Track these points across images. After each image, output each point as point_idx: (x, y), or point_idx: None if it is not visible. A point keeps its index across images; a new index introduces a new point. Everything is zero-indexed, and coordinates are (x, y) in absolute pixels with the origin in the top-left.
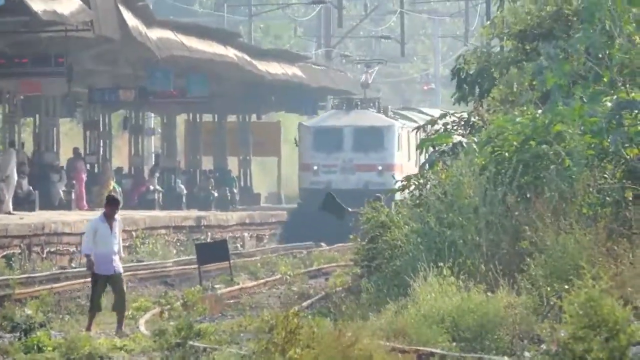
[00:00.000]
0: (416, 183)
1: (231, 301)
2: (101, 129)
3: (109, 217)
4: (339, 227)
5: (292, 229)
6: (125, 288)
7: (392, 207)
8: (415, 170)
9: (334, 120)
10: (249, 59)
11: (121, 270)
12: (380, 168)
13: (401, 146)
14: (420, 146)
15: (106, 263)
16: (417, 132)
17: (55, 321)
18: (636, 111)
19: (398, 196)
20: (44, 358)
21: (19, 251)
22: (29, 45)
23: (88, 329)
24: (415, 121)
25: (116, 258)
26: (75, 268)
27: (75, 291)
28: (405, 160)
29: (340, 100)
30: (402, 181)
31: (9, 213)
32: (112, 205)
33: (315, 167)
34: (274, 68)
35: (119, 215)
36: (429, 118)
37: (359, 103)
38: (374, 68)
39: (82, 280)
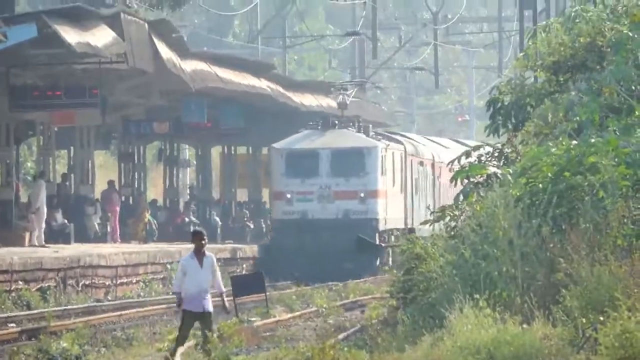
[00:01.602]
0: (451, 214)
1: (267, 333)
2: (136, 161)
3: (197, 253)
4: (317, 264)
5: (266, 265)
6: (212, 327)
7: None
8: (401, 197)
9: (309, 141)
10: (283, 90)
11: (211, 310)
12: (362, 195)
13: (385, 170)
14: (454, 177)
15: (196, 300)
16: (450, 164)
17: (91, 354)
18: None
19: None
20: None
21: (54, 284)
22: (63, 77)
23: (172, 355)
24: (401, 143)
25: (207, 296)
26: (110, 301)
27: (111, 324)
28: (390, 185)
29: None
30: (436, 212)
31: (43, 246)
32: (196, 237)
33: (289, 196)
34: (309, 99)
35: (212, 252)
36: (415, 142)
37: (336, 122)
38: (353, 89)
39: (118, 313)
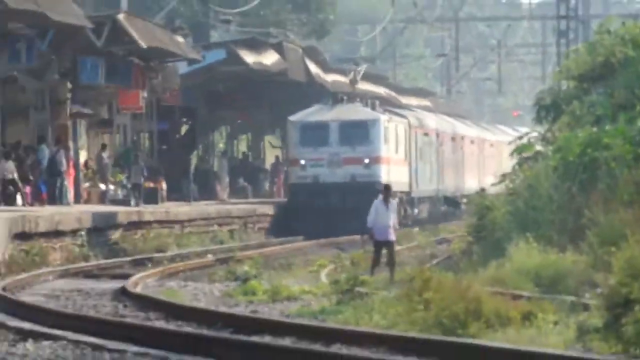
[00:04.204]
0: (510, 179)
1: (384, 260)
2: None
3: (385, 199)
4: (327, 222)
5: (282, 222)
6: (394, 252)
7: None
8: (404, 163)
9: (320, 115)
10: (395, 94)
11: (394, 239)
12: (366, 161)
13: (388, 139)
14: (512, 153)
15: (383, 232)
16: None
17: (264, 274)
18: None
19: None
20: (256, 299)
21: (239, 227)
22: (242, 86)
23: (371, 274)
24: (405, 117)
25: (390, 230)
26: (274, 238)
27: (278, 254)
28: (393, 153)
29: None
30: (502, 176)
31: (223, 201)
32: (386, 188)
33: (303, 162)
34: (412, 101)
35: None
36: (420, 116)
37: (344, 98)
38: (362, 66)
39: (282, 246)
